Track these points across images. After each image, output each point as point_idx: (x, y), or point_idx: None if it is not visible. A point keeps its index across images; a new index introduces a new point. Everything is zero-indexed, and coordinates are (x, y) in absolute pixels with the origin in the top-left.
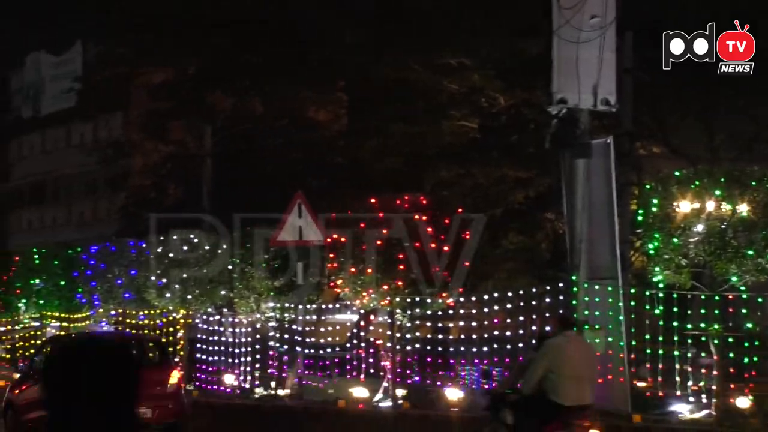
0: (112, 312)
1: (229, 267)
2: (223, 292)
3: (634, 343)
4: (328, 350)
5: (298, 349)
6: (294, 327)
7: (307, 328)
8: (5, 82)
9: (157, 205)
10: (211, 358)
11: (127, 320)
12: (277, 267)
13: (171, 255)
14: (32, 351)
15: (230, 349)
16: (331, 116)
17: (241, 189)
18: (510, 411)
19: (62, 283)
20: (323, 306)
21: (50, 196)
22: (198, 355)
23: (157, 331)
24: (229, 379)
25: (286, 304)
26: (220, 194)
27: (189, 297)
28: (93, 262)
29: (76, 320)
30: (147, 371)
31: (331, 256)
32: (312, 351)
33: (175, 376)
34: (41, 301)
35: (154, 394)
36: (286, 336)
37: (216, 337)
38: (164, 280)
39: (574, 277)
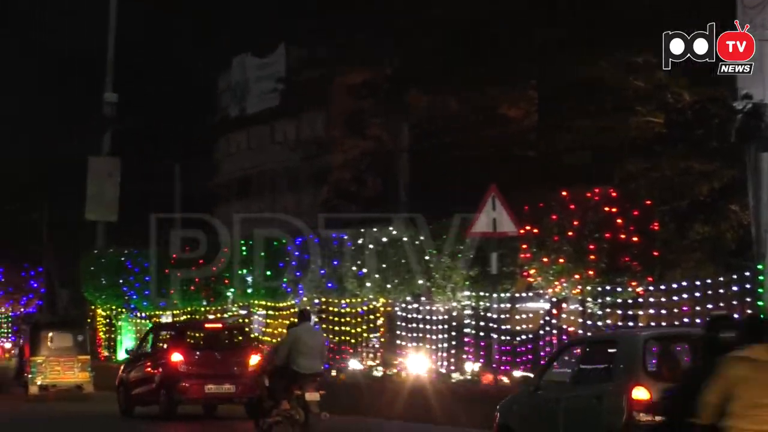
0: (315, 301)
1: (426, 258)
2: (420, 282)
3: None
4: (522, 337)
5: (494, 336)
6: (488, 315)
7: (501, 316)
8: (213, 83)
9: (356, 197)
10: (409, 345)
11: (330, 308)
12: (472, 257)
13: (371, 246)
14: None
15: (428, 336)
16: (522, 113)
17: (436, 183)
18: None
19: (268, 273)
20: (516, 294)
21: (255, 191)
22: (398, 342)
23: (359, 319)
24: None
25: (481, 293)
26: (416, 187)
27: (388, 286)
28: (298, 254)
29: (281, 308)
30: (233, 353)
31: (524, 246)
32: (506, 338)
33: (254, 359)
34: (248, 291)
35: (237, 373)
36: (482, 323)
37: (414, 325)
38: (364, 270)
39: (760, 266)
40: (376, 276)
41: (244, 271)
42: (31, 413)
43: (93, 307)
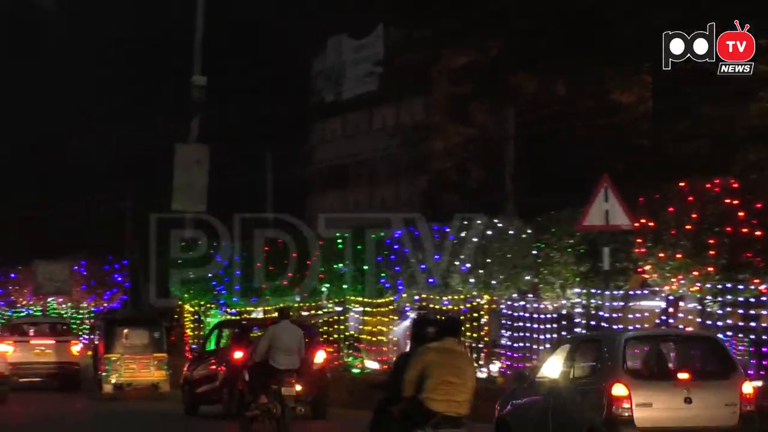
0: (416, 297)
1: (534, 252)
2: (527, 278)
3: None
4: None
5: None
6: (600, 313)
7: (614, 315)
8: (308, 65)
9: (458, 187)
10: (516, 345)
11: (431, 306)
12: (583, 252)
13: (474, 240)
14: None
15: (534, 335)
16: (635, 98)
17: (543, 172)
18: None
19: (365, 267)
20: (630, 292)
21: (352, 180)
22: (503, 341)
23: (461, 317)
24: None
25: (592, 290)
26: (522, 177)
27: (493, 282)
28: (397, 247)
29: (378, 305)
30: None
31: (639, 240)
32: None
33: (320, 357)
34: (344, 286)
35: (302, 372)
36: (593, 323)
37: (521, 323)
38: (468, 265)
39: None
40: (480, 271)
41: (340, 265)
42: (95, 411)
43: (180, 302)
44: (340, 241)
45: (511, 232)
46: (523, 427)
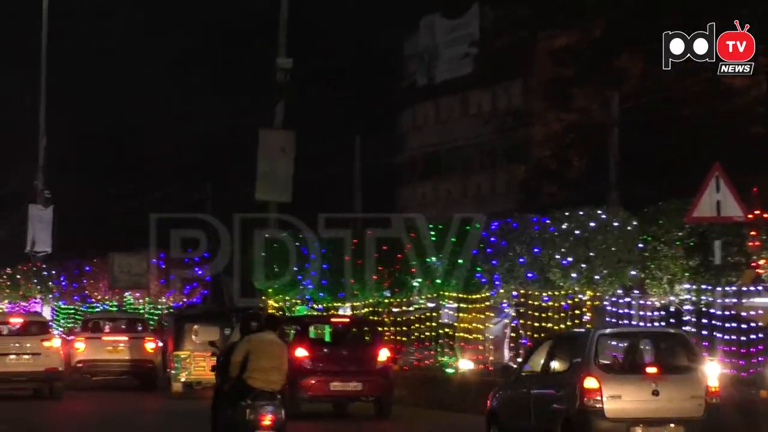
0: (513, 293)
1: (640, 245)
2: (633, 272)
3: None
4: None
5: (717, 335)
6: (711, 311)
7: (726, 312)
8: (399, 47)
9: (558, 177)
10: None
11: (530, 302)
12: (692, 245)
13: (576, 232)
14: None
15: None
16: (749, 82)
17: (650, 160)
18: None
19: (460, 261)
20: (743, 288)
21: (445, 168)
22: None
23: (562, 314)
24: None
25: (703, 286)
26: (627, 166)
27: (596, 277)
28: (493, 240)
29: (474, 300)
30: (360, 349)
31: (753, 233)
32: (732, 337)
33: (383, 355)
34: (437, 281)
35: (364, 370)
36: (704, 320)
37: (625, 321)
38: (569, 259)
39: None
40: (583, 266)
41: (433, 258)
42: (163, 410)
43: (264, 297)
44: (433, 233)
45: (615, 224)
46: (509, 417)
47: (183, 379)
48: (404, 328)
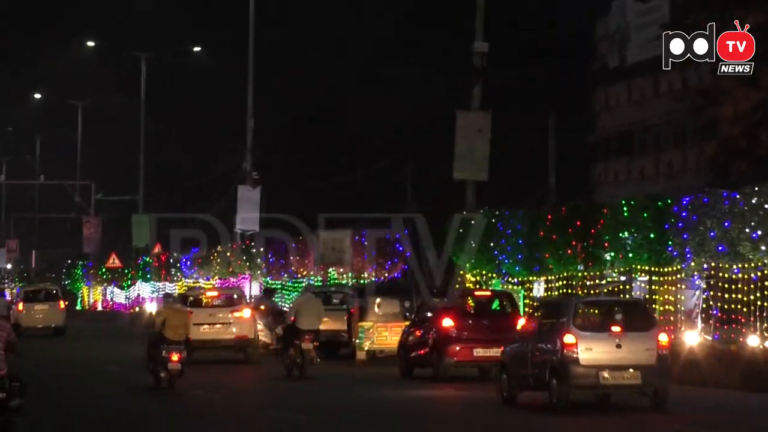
0: (704, 266)
1: None
2: None
3: None
4: None
5: None
6: None
7: None
8: (591, 29)
9: (747, 154)
10: None
11: (720, 274)
12: None
13: (766, 206)
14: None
15: None
16: None
17: None
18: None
19: (652, 236)
20: None
21: (637, 147)
22: None
23: (751, 286)
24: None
25: None
26: None
27: None
28: (684, 214)
29: (666, 273)
30: (501, 320)
31: None
32: None
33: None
34: (630, 255)
35: (505, 339)
36: None
37: None
38: (759, 233)
39: None
40: None
41: (625, 233)
42: (338, 374)
43: (462, 272)
44: (626, 209)
45: None
46: (513, 366)
47: (366, 348)
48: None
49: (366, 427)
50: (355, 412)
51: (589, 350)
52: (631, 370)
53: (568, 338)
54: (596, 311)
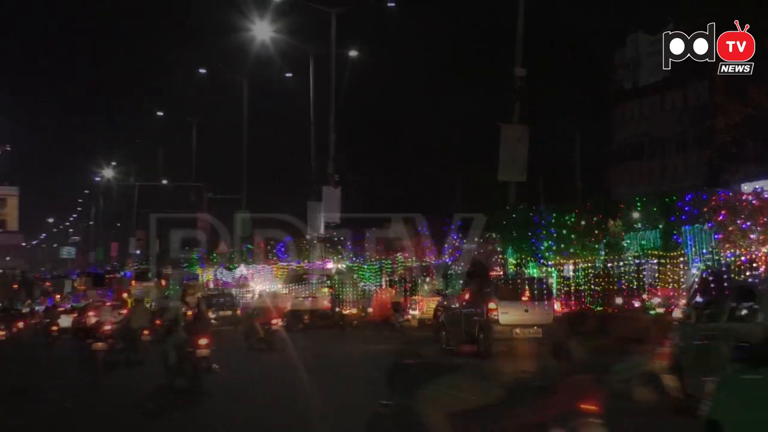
0: (703, 251)
1: None
2: None
3: None
4: None
5: None
6: None
7: None
8: (610, 57)
9: (738, 158)
10: None
11: (716, 257)
12: None
13: (753, 201)
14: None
15: None
16: None
17: None
18: None
19: (660, 226)
20: None
21: (647, 154)
22: None
23: (741, 267)
24: None
25: None
26: None
27: None
28: (687, 209)
29: (671, 258)
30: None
31: None
32: None
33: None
34: (642, 242)
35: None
36: None
37: None
38: (748, 224)
39: None
40: (758, 228)
41: (638, 224)
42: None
43: (503, 256)
44: (638, 204)
45: None
46: (449, 324)
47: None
48: (615, 279)
49: None
50: None
51: (506, 313)
52: (535, 327)
53: (492, 305)
54: (511, 286)
